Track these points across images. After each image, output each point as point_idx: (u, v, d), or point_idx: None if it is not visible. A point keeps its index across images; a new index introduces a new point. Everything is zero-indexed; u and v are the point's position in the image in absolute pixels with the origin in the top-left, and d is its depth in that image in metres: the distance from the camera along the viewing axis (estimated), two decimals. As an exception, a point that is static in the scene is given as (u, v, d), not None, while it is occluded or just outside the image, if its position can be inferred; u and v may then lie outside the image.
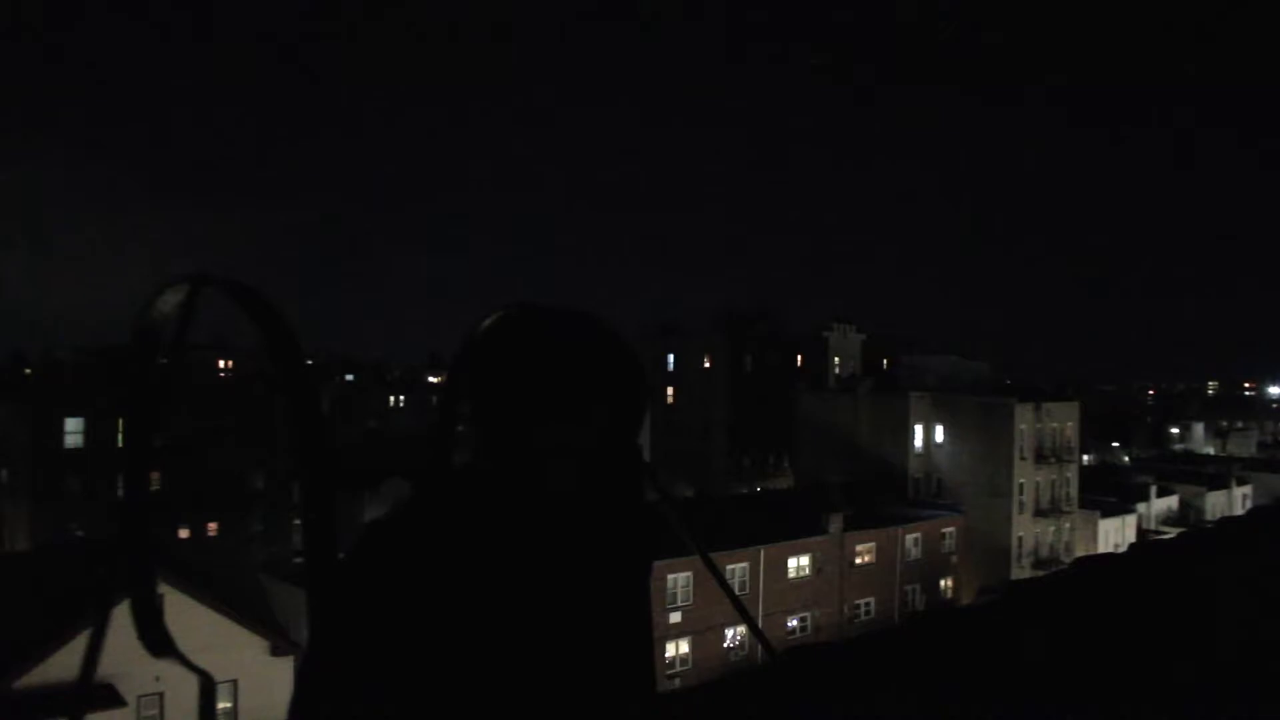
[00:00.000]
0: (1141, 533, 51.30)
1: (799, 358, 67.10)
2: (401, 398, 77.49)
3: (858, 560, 40.45)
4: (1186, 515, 58.36)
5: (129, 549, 1.22)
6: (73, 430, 43.24)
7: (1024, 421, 48.21)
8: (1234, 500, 60.95)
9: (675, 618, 32.87)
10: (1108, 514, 52.41)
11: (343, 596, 1.21)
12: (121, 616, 1.13)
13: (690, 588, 33.21)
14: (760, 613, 34.91)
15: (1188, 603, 4.41)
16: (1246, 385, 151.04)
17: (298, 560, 34.64)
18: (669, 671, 32.41)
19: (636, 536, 1.35)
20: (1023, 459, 47.99)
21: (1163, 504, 58.74)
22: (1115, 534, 51.47)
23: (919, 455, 50.20)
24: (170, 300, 1.25)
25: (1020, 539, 47.63)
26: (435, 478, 1.29)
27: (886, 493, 46.77)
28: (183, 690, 19.79)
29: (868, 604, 40.67)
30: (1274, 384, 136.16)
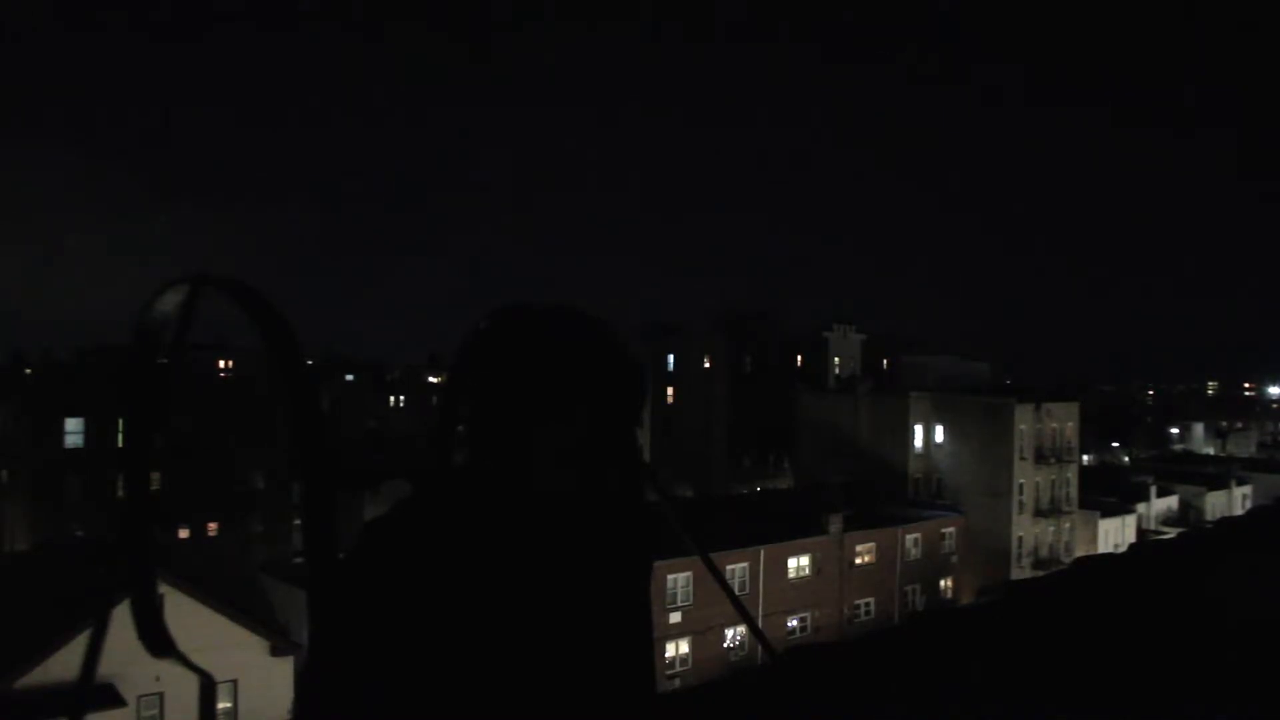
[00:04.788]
0: (1141, 533, 51.28)
1: (799, 358, 67.09)
2: (401, 398, 77.52)
3: (858, 560, 40.44)
4: (1186, 515, 58.33)
5: (129, 549, 1.22)
6: (73, 430, 43.22)
7: (1024, 421, 48.19)
8: (1234, 500, 60.92)
9: (675, 618, 32.86)
10: (1108, 514, 52.39)
11: (343, 596, 1.21)
12: (121, 616, 1.13)
13: (690, 588, 33.20)
14: (760, 613, 34.89)
15: (1188, 603, 4.41)
16: (1246, 385, 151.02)
17: (298, 560, 34.64)
18: (669, 671, 32.40)
19: (636, 537, 1.35)
20: (1023, 459, 47.98)
21: (1163, 504, 58.72)
22: (1115, 534, 51.46)
23: (919, 455, 50.19)
24: (171, 300, 1.25)
25: (1020, 539, 47.62)
26: (435, 478, 1.30)
27: (886, 493, 46.77)
28: (183, 690, 19.80)
29: (868, 604, 40.65)
30: (1274, 384, 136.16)
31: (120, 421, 1.30)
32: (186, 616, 21.05)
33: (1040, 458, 48.91)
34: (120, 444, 1.24)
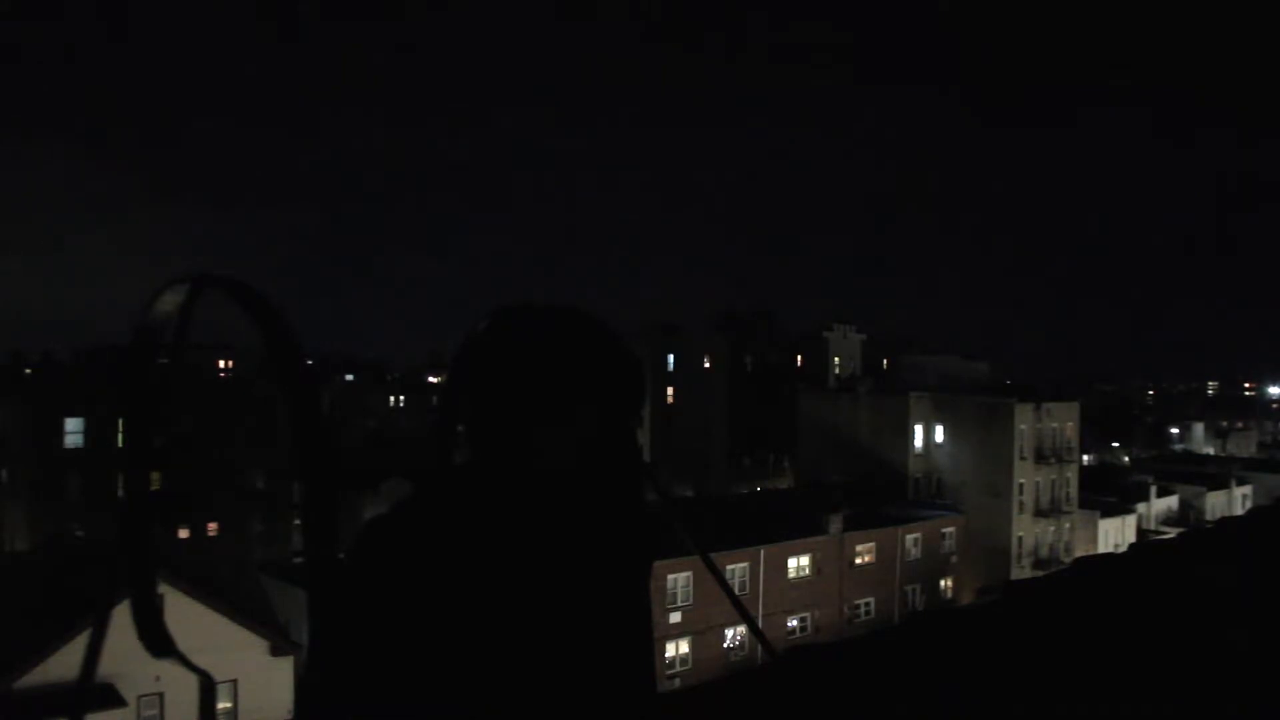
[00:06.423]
0: (1141, 533, 51.28)
1: (799, 358, 67.17)
2: (401, 398, 77.53)
3: (858, 560, 40.44)
4: (1186, 515, 58.33)
5: (129, 549, 1.22)
6: (73, 430, 43.21)
7: (1024, 421, 48.20)
8: (1234, 500, 60.92)
9: (675, 618, 32.86)
10: (1108, 514, 52.38)
11: (343, 595, 1.21)
12: (121, 616, 1.13)
13: (690, 588, 33.20)
14: (760, 613, 34.89)
15: (1188, 603, 4.41)
16: (1246, 385, 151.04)
17: (298, 560, 34.65)
18: (669, 671, 32.40)
19: (636, 536, 1.35)
20: (1023, 459, 47.98)
21: (1163, 504, 58.72)
22: (1115, 534, 51.45)
23: (919, 455, 50.20)
24: (171, 300, 1.25)
25: (1020, 539, 47.63)
26: (435, 477, 1.30)
27: (886, 493, 46.76)
28: (183, 690, 19.81)
29: (868, 604, 40.65)
30: (1274, 384, 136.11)
31: (120, 421, 1.30)
32: (186, 616, 21.05)
33: (1040, 458, 48.92)
34: (120, 444, 1.24)
